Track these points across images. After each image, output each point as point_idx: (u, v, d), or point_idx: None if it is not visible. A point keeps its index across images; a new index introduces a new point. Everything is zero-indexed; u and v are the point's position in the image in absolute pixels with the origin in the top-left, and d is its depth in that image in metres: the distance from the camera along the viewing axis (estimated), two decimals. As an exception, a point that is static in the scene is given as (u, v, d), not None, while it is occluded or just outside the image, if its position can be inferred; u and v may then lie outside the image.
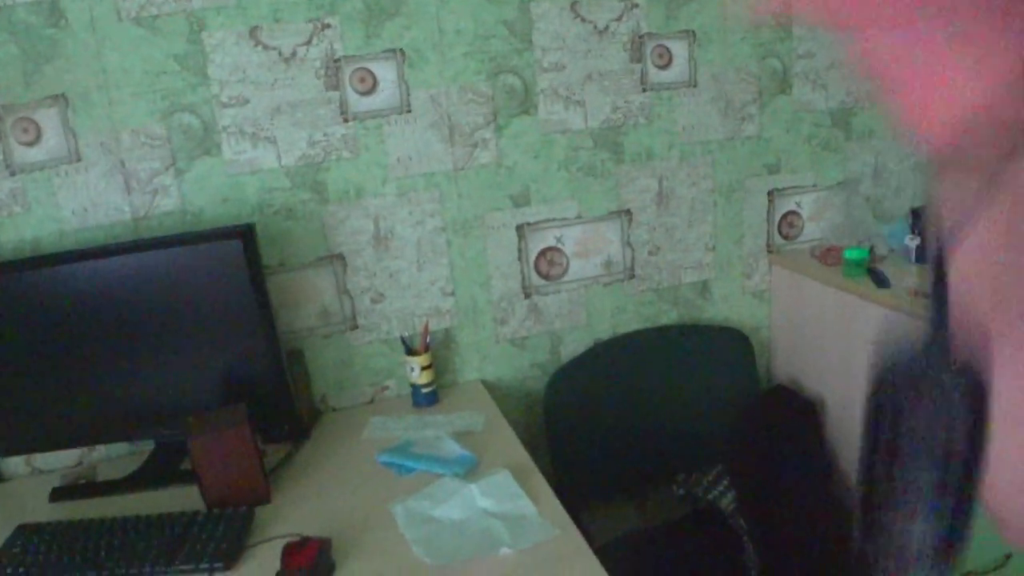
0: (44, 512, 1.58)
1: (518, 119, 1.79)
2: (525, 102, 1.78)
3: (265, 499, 1.50)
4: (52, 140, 1.64)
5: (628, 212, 1.90)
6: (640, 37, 1.81)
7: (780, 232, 2.06)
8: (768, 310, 2.08)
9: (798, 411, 1.90)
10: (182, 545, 1.35)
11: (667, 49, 1.84)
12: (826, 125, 2.03)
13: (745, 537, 1.77)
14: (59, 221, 1.68)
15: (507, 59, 1.74)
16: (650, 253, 1.94)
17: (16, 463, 1.79)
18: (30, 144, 1.64)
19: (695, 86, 1.88)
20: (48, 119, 1.63)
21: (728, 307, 2.05)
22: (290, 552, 1.27)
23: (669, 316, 1.99)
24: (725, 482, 1.83)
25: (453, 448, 1.57)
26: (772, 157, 2.00)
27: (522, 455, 1.55)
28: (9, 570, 1.34)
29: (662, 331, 1.98)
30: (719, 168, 1.95)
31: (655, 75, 1.84)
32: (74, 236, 1.69)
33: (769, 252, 2.06)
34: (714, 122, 1.91)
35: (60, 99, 1.62)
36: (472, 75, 1.73)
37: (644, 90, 1.84)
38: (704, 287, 2.01)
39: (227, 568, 1.30)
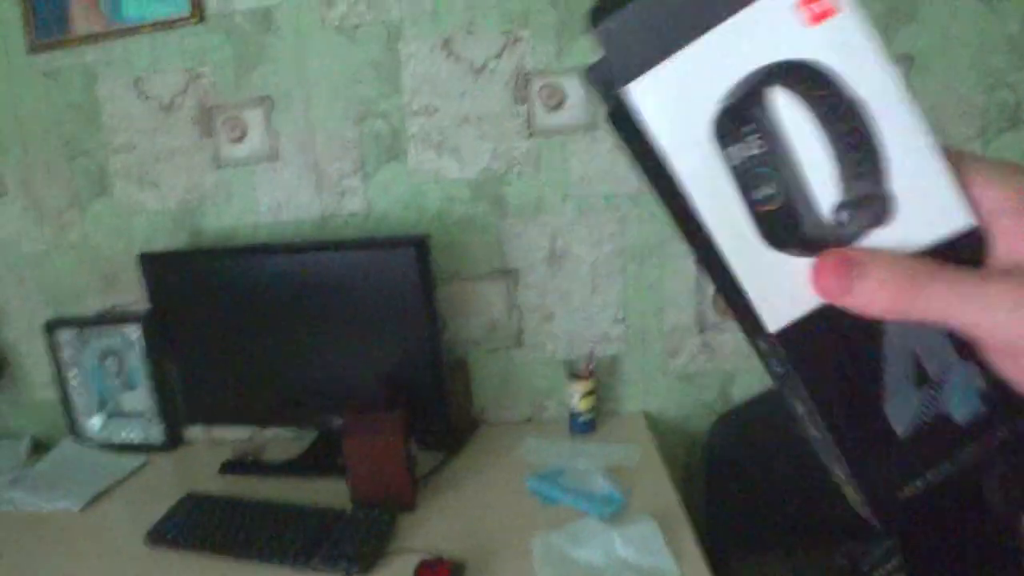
0: (212, 481, 1.72)
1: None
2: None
3: (410, 507, 1.51)
4: (256, 138, 1.73)
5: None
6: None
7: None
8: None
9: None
10: (323, 542, 1.38)
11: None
12: None
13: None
14: (256, 214, 1.78)
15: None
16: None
17: (197, 431, 1.94)
18: (236, 141, 1.74)
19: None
20: (254, 118, 1.72)
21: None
22: (423, 570, 1.26)
23: (857, 368, 1.83)
24: (896, 560, 1.65)
25: (602, 485, 1.51)
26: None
27: (672, 500, 1.46)
28: (171, 534, 1.48)
29: (846, 384, 1.82)
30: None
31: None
32: (268, 229, 1.78)
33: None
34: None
35: (266, 100, 1.71)
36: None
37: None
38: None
39: (361, 573, 1.31)
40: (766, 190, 0.30)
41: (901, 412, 0.31)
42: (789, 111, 0.30)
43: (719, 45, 0.29)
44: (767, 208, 0.30)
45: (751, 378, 1.83)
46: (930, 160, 0.30)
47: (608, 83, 0.30)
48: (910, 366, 0.31)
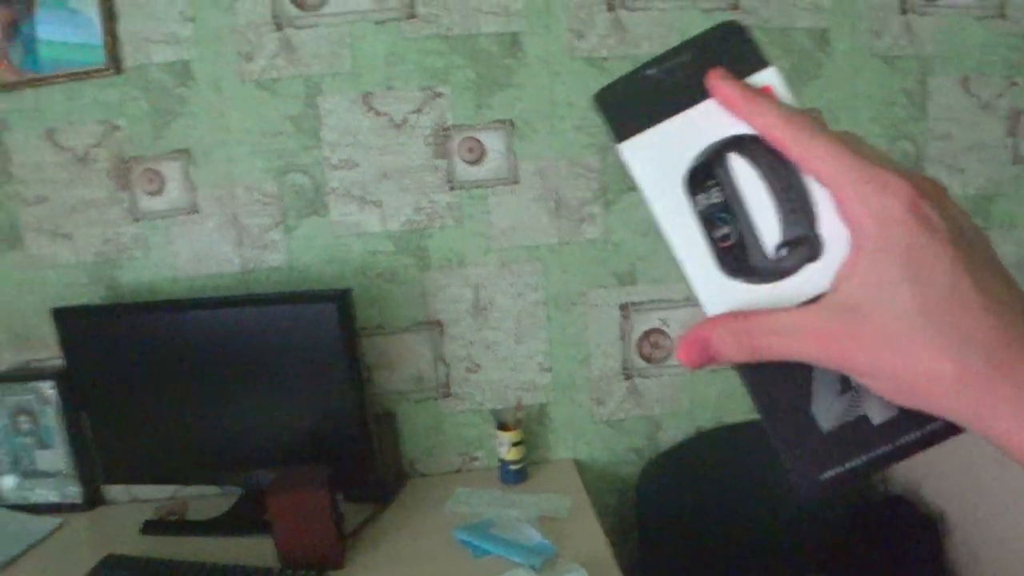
0: (134, 542, 1.65)
1: (628, 195, 1.73)
2: (636, 179, 1.72)
3: (338, 564, 1.49)
4: (174, 191, 1.71)
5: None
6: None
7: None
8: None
9: (915, 526, 1.73)
10: (248, 606, 1.35)
11: None
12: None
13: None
14: (174, 268, 1.75)
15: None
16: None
17: (118, 490, 1.88)
18: (154, 194, 1.71)
19: None
20: (172, 171, 1.70)
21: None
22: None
23: (780, 409, 1.86)
24: (824, 601, 1.69)
25: (532, 535, 1.51)
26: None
27: (603, 550, 1.47)
28: None
29: (770, 425, 1.85)
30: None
31: None
32: (187, 283, 1.75)
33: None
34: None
35: (184, 153, 1.69)
36: (582, 148, 1.69)
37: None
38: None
39: (286, 638, 1.29)
40: (724, 230, 0.38)
41: (825, 412, 0.38)
42: (743, 171, 0.38)
43: (690, 122, 0.39)
44: (725, 245, 0.38)
45: (678, 422, 1.86)
46: None
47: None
48: (835, 376, 0.37)
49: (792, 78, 1.72)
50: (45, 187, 1.74)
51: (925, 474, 1.84)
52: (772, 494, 1.83)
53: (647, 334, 1.80)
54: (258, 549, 1.55)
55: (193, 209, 1.72)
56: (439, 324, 1.77)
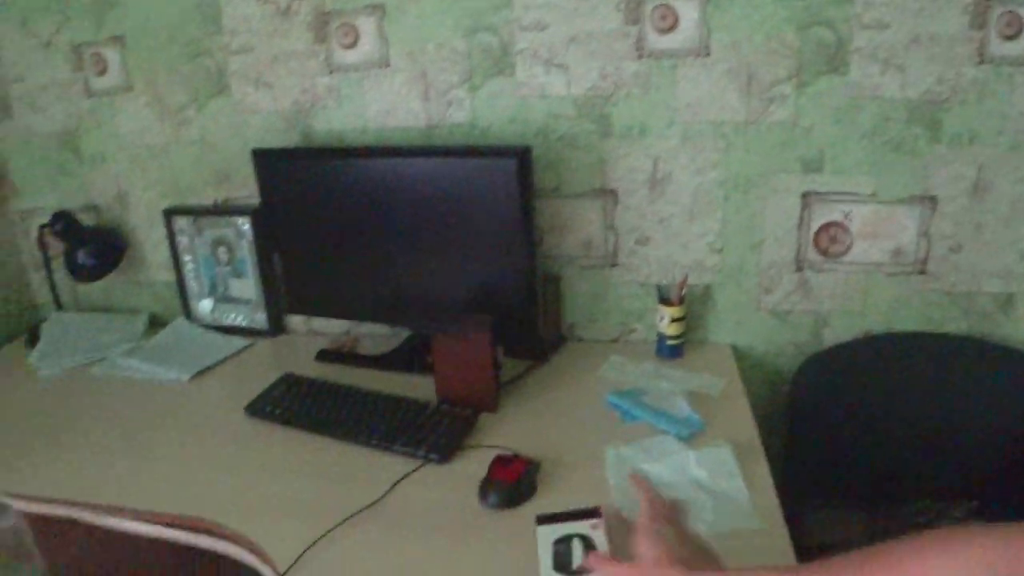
0: (308, 367, 1.82)
1: (825, 77, 1.63)
2: (835, 59, 1.61)
3: (491, 408, 1.57)
4: (367, 45, 1.77)
5: (933, 199, 1.69)
6: None
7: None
8: (1083, 338, 1.78)
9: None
10: (407, 429, 1.47)
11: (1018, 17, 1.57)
12: None
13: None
14: (363, 119, 1.83)
15: (822, 10, 1.58)
16: (950, 250, 1.71)
17: (298, 320, 2.07)
18: (348, 47, 1.79)
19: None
20: (366, 26, 1.76)
21: (1033, 328, 1.77)
22: (499, 463, 1.33)
23: (957, 324, 1.75)
24: (976, 524, 1.62)
25: (683, 408, 1.52)
26: None
27: (752, 435, 1.46)
28: (268, 408, 1.60)
29: (945, 339, 1.74)
30: (1058, 164, 1.66)
31: (997, 46, 1.59)
32: (374, 134, 1.83)
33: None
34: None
35: (378, 8, 1.74)
36: (780, 23, 1.60)
37: (981, 62, 1.60)
38: (1008, 301, 1.73)
39: (441, 462, 1.39)
40: None
41: None
42: None
43: None
44: None
45: (847, 322, 1.79)
46: None
47: None
48: None
49: None
50: (251, 38, 1.85)
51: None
52: (932, 411, 1.75)
53: (827, 226, 1.73)
54: (419, 386, 1.66)
55: (384, 63, 1.78)
56: (614, 193, 1.77)
